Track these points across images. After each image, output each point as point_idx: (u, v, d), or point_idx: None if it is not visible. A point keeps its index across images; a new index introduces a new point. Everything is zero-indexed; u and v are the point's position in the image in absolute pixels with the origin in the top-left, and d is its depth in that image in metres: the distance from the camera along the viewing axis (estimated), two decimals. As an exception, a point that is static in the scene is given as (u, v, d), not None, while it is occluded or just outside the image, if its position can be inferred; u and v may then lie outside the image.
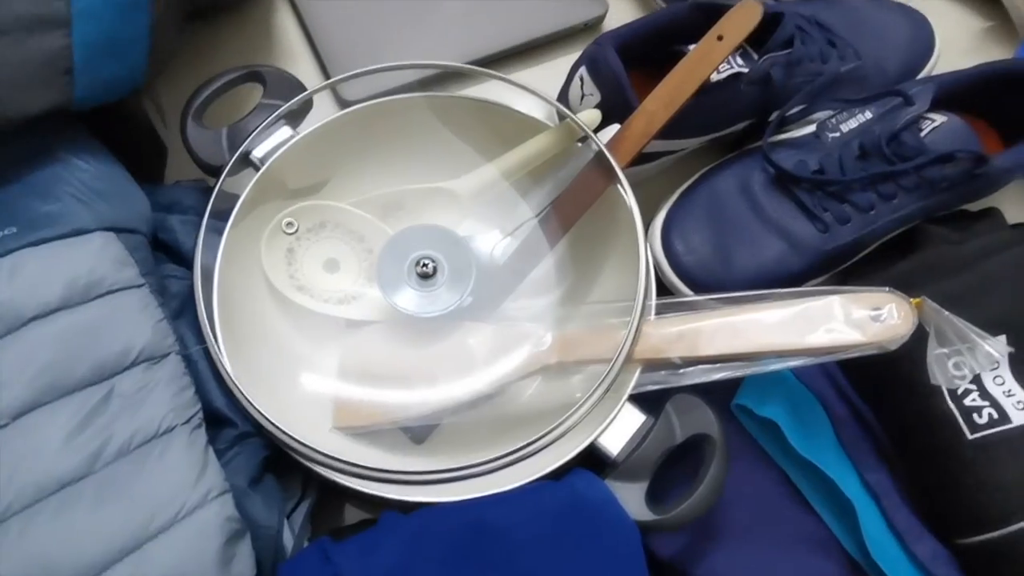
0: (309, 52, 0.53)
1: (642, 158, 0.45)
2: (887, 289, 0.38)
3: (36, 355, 0.32)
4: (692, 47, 0.49)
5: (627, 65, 0.46)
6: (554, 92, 0.52)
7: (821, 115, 0.48)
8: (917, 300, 0.37)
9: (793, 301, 0.38)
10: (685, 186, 0.49)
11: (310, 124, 0.44)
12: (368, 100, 0.50)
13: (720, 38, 0.43)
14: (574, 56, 0.56)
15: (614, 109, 0.45)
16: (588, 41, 0.56)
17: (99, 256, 0.35)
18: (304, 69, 0.53)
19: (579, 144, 0.45)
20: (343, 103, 0.51)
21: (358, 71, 0.44)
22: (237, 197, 0.42)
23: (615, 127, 0.44)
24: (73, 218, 0.36)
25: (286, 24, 0.54)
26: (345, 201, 0.45)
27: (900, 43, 0.53)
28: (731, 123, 0.48)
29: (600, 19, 0.56)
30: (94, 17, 0.37)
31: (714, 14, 0.47)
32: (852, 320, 0.37)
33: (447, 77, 0.53)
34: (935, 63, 0.54)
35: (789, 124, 0.48)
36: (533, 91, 0.44)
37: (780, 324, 0.38)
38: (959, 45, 0.59)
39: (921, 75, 0.53)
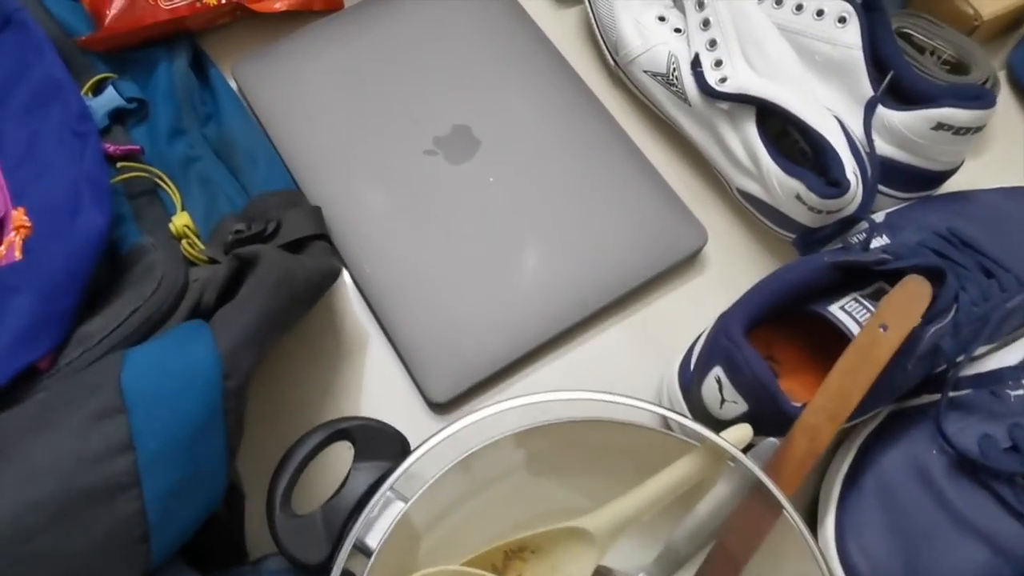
0: (386, 343, 0.47)
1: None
2: None
3: None
4: (833, 309, 0.42)
5: (752, 324, 0.40)
6: (657, 337, 0.46)
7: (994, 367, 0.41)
8: None
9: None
10: (845, 467, 0.42)
11: (412, 476, 0.38)
12: (455, 396, 0.45)
13: (884, 327, 0.37)
14: (674, 293, 0.49)
15: (764, 418, 0.38)
16: (688, 272, 0.50)
17: None
18: (378, 358, 0.47)
19: (730, 463, 0.38)
20: (432, 405, 0.45)
21: (473, 418, 0.38)
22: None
23: (770, 442, 0.37)
24: None
25: (355, 313, 0.48)
26: (460, 558, 0.39)
27: (1055, 244, 0.46)
28: (893, 399, 0.42)
29: (699, 250, 0.49)
30: (164, 462, 0.31)
31: (855, 274, 0.40)
32: None
33: (539, 353, 0.47)
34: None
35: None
36: (667, 413, 0.37)
37: None
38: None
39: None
